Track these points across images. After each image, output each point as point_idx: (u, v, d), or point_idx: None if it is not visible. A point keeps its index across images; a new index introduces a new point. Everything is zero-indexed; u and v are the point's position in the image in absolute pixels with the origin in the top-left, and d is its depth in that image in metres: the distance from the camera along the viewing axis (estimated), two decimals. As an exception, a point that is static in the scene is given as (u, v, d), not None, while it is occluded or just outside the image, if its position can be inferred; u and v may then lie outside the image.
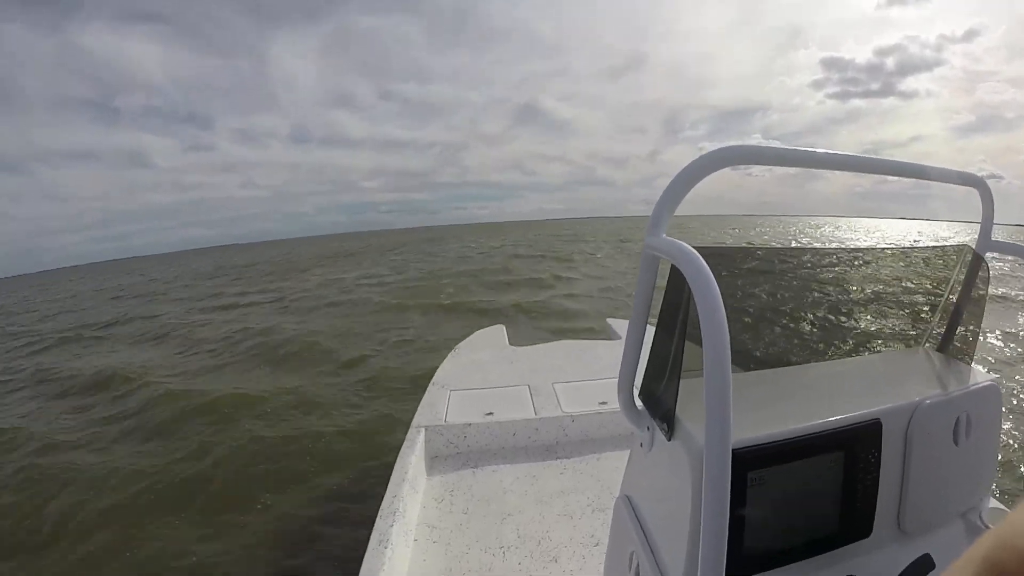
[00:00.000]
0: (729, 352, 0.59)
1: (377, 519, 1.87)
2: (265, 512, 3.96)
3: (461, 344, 4.27)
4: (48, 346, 12.54)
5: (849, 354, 1.26)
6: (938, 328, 1.25)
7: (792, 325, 1.21)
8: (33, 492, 4.55)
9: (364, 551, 1.70)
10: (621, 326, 4.67)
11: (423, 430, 2.59)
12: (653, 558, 0.88)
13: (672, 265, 0.74)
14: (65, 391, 7.87)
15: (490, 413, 2.81)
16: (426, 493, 2.32)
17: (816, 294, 1.28)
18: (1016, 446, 4.42)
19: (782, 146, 0.82)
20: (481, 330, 4.86)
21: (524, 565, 1.85)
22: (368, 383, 6.75)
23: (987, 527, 1.02)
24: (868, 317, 1.32)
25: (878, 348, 1.31)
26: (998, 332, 8.20)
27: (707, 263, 0.64)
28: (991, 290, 1.19)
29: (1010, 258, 1.32)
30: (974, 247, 1.16)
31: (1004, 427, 3.83)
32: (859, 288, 1.33)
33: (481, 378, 3.39)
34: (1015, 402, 5.47)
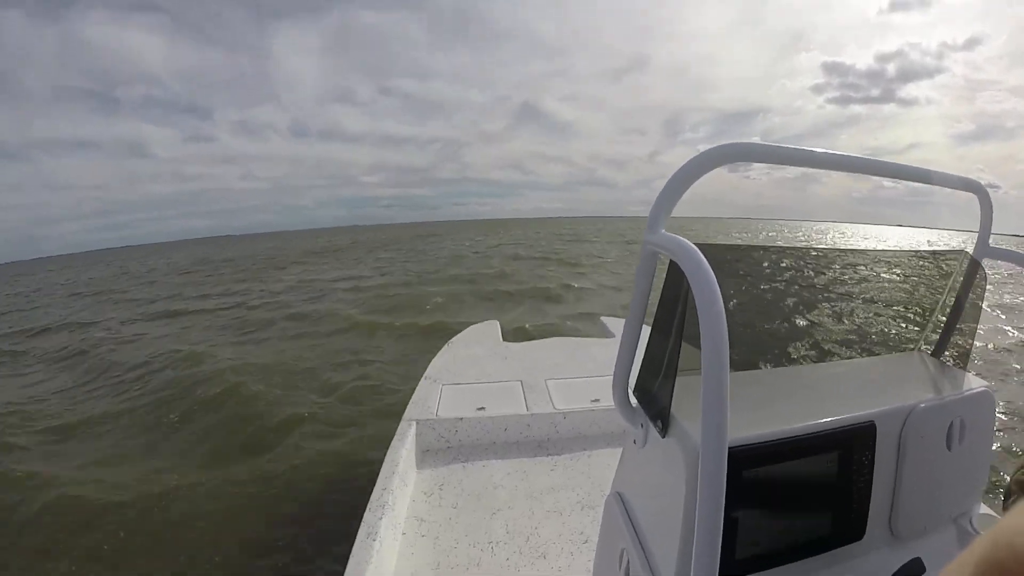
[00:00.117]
0: (728, 349, 0.58)
1: (366, 512, 1.86)
2: None
3: (454, 339, 4.24)
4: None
5: (844, 356, 1.28)
6: (934, 333, 1.26)
7: (788, 325, 1.21)
8: None
9: (352, 544, 1.69)
10: (615, 324, 4.67)
11: (414, 423, 2.60)
12: (644, 555, 0.88)
13: (671, 261, 0.74)
14: None
15: (482, 408, 2.80)
16: (416, 486, 2.33)
17: (813, 295, 1.28)
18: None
19: (783, 145, 0.79)
20: (474, 325, 4.83)
21: (512, 560, 1.86)
22: (283, 485, 4.10)
23: (978, 533, 0.98)
24: (864, 320, 1.33)
25: (874, 351, 1.32)
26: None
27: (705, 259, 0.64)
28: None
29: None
30: (972, 253, 1.18)
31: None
32: (856, 290, 1.35)
33: (474, 373, 3.38)
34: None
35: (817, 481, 0.90)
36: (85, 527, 3.62)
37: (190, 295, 17.60)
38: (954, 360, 1.21)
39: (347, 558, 1.64)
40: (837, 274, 1.35)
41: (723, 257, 0.86)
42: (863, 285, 1.36)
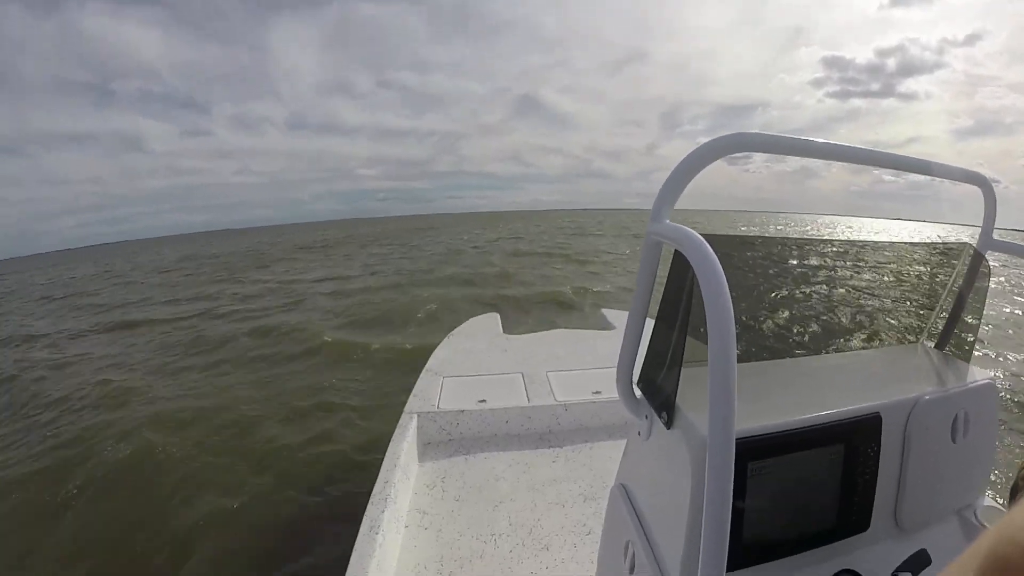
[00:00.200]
0: (735, 339, 0.58)
1: (368, 505, 1.85)
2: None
3: (455, 331, 4.26)
4: None
5: (848, 348, 1.28)
6: (937, 325, 1.26)
7: (792, 317, 1.24)
8: None
9: (355, 537, 1.68)
10: (616, 316, 4.70)
11: (415, 416, 2.59)
12: (649, 547, 0.88)
13: (675, 251, 0.74)
14: None
15: (483, 400, 2.80)
16: (418, 479, 2.33)
17: (817, 286, 1.28)
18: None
19: (788, 135, 0.78)
20: (475, 317, 4.85)
21: (515, 552, 1.86)
22: None
23: (983, 525, 1.01)
24: (868, 312, 1.33)
25: (877, 343, 1.33)
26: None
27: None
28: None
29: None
30: (975, 246, 1.18)
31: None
32: (860, 282, 1.33)
33: (475, 365, 3.39)
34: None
35: (822, 473, 0.90)
36: None
37: (159, 299, 15.87)
38: (957, 352, 1.21)
39: (350, 552, 1.62)
40: (841, 265, 1.34)
41: (727, 247, 0.84)
42: (867, 276, 1.33)
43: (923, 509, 0.98)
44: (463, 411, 2.68)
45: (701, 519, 0.58)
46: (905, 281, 1.32)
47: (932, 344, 1.26)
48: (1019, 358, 7.34)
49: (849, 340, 1.28)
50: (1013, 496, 1.05)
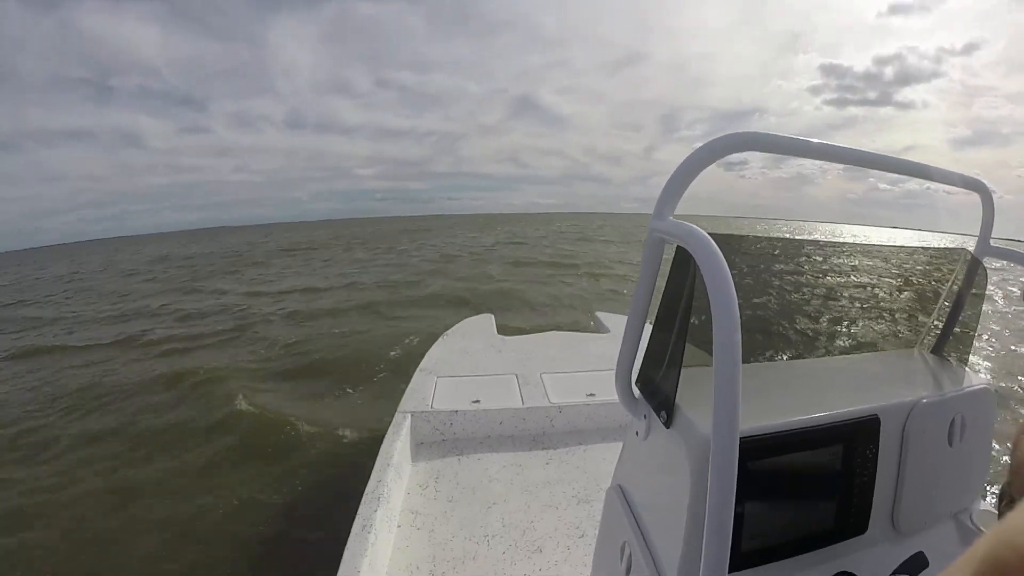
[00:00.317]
0: (740, 337, 0.57)
1: (360, 504, 1.85)
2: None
3: (449, 331, 4.25)
4: None
5: (846, 351, 1.29)
6: (934, 330, 1.27)
7: (791, 319, 1.21)
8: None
9: (347, 536, 1.67)
10: (610, 319, 4.69)
11: (409, 416, 2.58)
12: (647, 548, 0.87)
13: (678, 248, 0.74)
14: None
15: (477, 401, 2.79)
16: (411, 479, 2.32)
17: (816, 289, 1.31)
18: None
19: (792, 136, 0.78)
20: (470, 318, 4.83)
21: (508, 554, 1.85)
22: None
23: (979, 529, 1.02)
24: (866, 316, 1.36)
25: (876, 347, 1.33)
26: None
27: None
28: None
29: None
30: (973, 251, 1.19)
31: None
32: (859, 286, 1.35)
33: (469, 366, 3.39)
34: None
35: (822, 474, 0.90)
36: None
37: (95, 315, 13.24)
38: (955, 357, 1.21)
39: (342, 551, 1.61)
40: (841, 269, 1.33)
41: (729, 246, 0.79)
42: (867, 281, 1.35)
43: (920, 512, 0.99)
44: (457, 411, 2.68)
45: (700, 519, 0.59)
46: (903, 286, 1.35)
47: (929, 349, 1.27)
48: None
49: (848, 343, 1.33)
50: (1001, 501, 0.88)
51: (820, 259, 1.33)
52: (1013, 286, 15.62)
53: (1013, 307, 12.13)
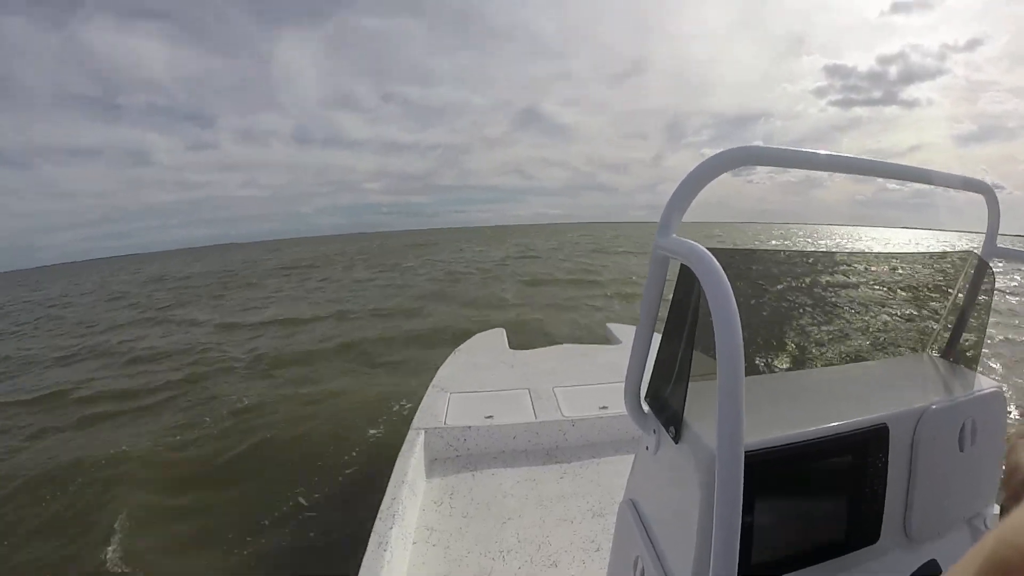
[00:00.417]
0: (742, 351, 0.58)
1: (376, 521, 1.85)
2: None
3: (461, 347, 4.23)
4: None
5: (854, 359, 1.27)
6: (943, 334, 1.26)
7: (796, 329, 1.21)
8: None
9: (363, 553, 1.67)
10: (621, 331, 4.64)
11: (423, 432, 2.58)
12: (659, 563, 0.87)
13: (682, 265, 0.75)
14: None
15: (490, 416, 2.78)
16: (425, 495, 2.32)
17: (820, 297, 1.28)
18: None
19: (792, 148, 0.80)
20: (481, 333, 4.81)
21: (524, 569, 1.84)
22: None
23: None
24: (873, 322, 1.33)
25: (883, 353, 1.31)
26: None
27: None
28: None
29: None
30: (979, 253, 1.19)
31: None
32: (864, 292, 1.34)
33: (481, 381, 3.36)
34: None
35: (831, 484, 0.90)
36: None
37: (39, 355, 11.35)
38: (963, 361, 1.20)
39: (358, 568, 1.61)
40: (846, 276, 1.32)
41: (733, 261, 0.85)
42: (872, 287, 1.34)
43: (932, 519, 0.97)
44: (470, 427, 2.66)
45: (709, 533, 0.58)
46: (910, 291, 1.33)
47: (938, 353, 1.26)
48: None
49: (854, 351, 1.28)
50: (1002, 514, 0.89)
51: (825, 268, 1.29)
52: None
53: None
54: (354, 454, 4.70)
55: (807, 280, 1.25)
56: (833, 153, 0.81)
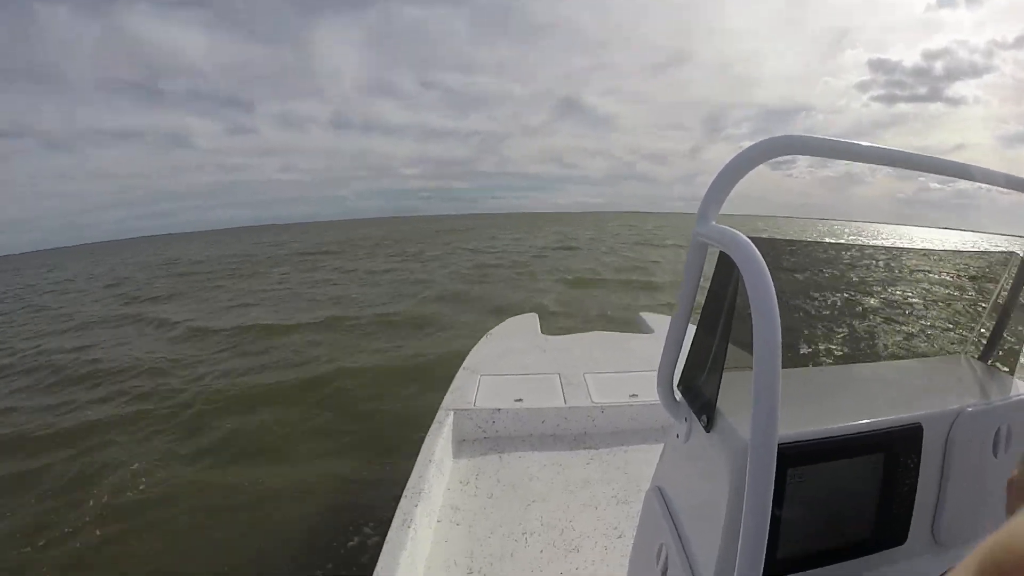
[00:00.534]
0: (780, 342, 0.57)
1: (402, 499, 1.86)
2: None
3: (494, 330, 4.23)
4: None
5: (888, 357, 1.25)
6: (981, 336, 1.24)
7: (832, 323, 1.20)
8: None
9: (387, 530, 1.67)
10: (654, 320, 4.61)
11: (452, 413, 2.59)
12: (684, 552, 0.87)
13: (720, 253, 0.74)
14: None
15: (520, 399, 2.78)
16: (452, 475, 2.32)
17: (857, 292, 1.26)
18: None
19: (833, 138, 0.77)
20: (514, 317, 4.84)
21: (546, 553, 1.84)
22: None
23: None
24: (910, 320, 1.31)
25: (919, 353, 1.30)
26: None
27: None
28: None
29: None
30: (1022, 255, 1.16)
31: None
32: (902, 289, 1.32)
33: (512, 364, 3.37)
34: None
35: (861, 482, 0.88)
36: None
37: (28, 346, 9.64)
38: (1002, 365, 1.17)
39: (382, 544, 1.61)
40: (884, 272, 1.28)
41: (772, 250, 0.82)
42: (911, 285, 1.31)
43: (961, 524, 0.96)
44: (499, 409, 2.67)
45: (737, 524, 0.58)
46: (949, 290, 1.32)
47: (976, 355, 1.23)
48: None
49: (890, 349, 1.26)
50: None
51: (863, 262, 1.29)
52: None
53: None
54: None
55: (846, 274, 1.23)
56: (875, 145, 0.79)
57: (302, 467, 4.33)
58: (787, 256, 1.00)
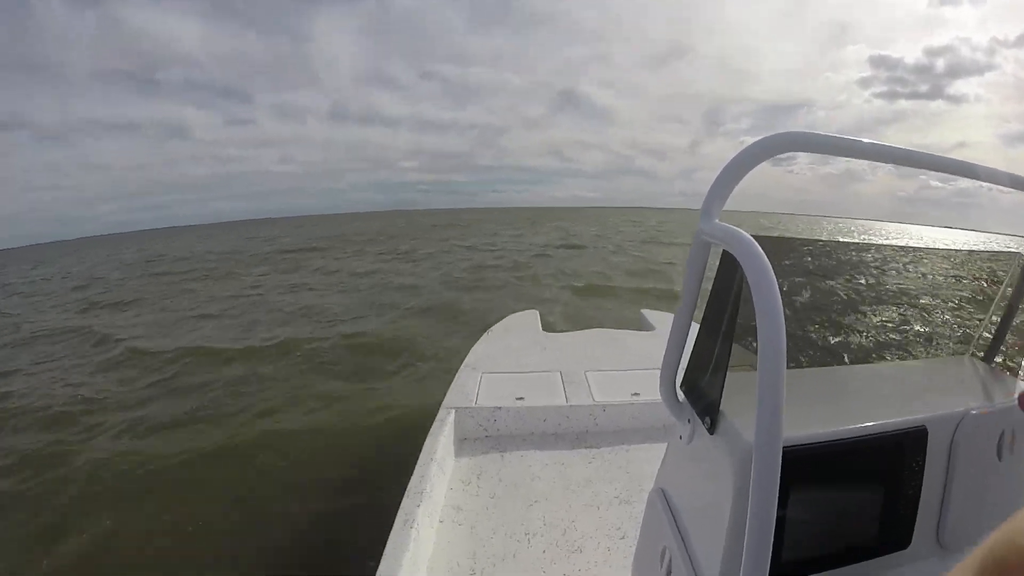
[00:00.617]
0: (784, 342, 0.57)
1: (403, 499, 1.85)
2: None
3: (494, 327, 4.16)
4: None
5: (892, 358, 1.27)
6: (985, 337, 1.23)
7: (836, 323, 1.19)
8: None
9: (389, 531, 1.66)
10: (656, 317, 4.55)
11: (453, 411, 2.58)
12: (687, 554, 0.86)
13: (723, 251, 0.73)
14: None
15: (521, 398, 2.76)
16: (453, 475, 2.31)
17: (863, 293, 1.24)
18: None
19: (837, 135, 0.77)
20: (514, 314, 4.73)
21: (548, 553, 1.83)
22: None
23: None
24: (915, 321, 1.31)
25: (923, 354, 1.29)
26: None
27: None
28: None
29: None
30: None
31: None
32: (905, 289, 1.31)
33: (513, 362, 3.33)
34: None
35: (866, 485, 0.88)
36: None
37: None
38: (1005, 366, 1.17)
39: (383, 545, 1.59)
40: (889, 273, 1.28)
41: (776, 249, 0.78)
42: (913, 284, 1.30)
43: (966, 528, 0.94)
44: (500, 408, 2.65)
45: (741, 527, 0.57)
46: (953, 291, 1.29)
47: (980, 357, 1.22)
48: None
49: (896, 350, 1.26)
50: None
51: (868, 262, 1.27)
52: None
53: None
54: None
55: (851, 274, 1.21)
56: (878, 142, 0.78)
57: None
58: (791, 255, 0.98)
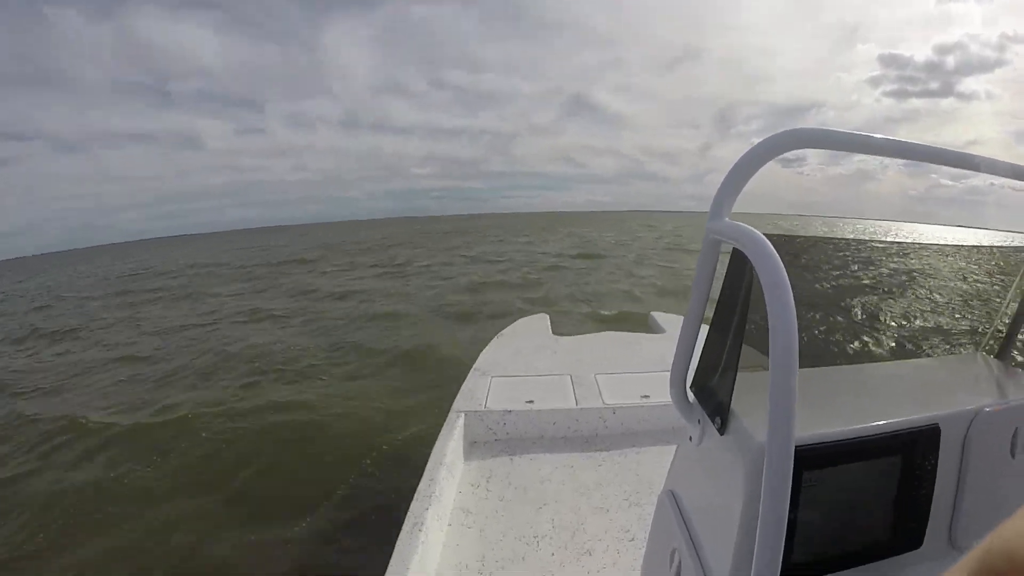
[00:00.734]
0: (797, 342, 0.56)
1: (412, 502, 1.84)
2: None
3: (504, 331, 4.12)
4: None
5: (905, 356, 1.23)
6: (998, 333, 1.19)
7: (847, 321, 1.16)
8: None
9: (398, 533, 1.64)
10: (666, 320, 4.51)
11: (463, 415, 2.56)
12: (697, 557, 0.85)
13: (734, 250, 0.73)
14: None
15: (531, 401, 2.74)
16: (463, 478, 2.29)
17: (875, 290, 1.23)
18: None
19: (847, 131, 0.76)
20: (525, 318, 4.67)
21: (558, 556, 1.81)
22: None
23: None
24: (927, 318, 1.27)
25: (935, 351, 1.27)
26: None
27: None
28: None
29: None
30: None
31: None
32: (917, 286, 1.28)
33: (523, 365, 3.31)
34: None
35: (878, 485, 0.86)
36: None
37: None
38: (1019, 362, 1.14)
39: (392, 548, 1.58)
40: (899, 269, 1.26)
41: (787, 247, 0.80)
42: (926, 281, 1.27)
43: (980, 528, 0.89)
44: (510, 411, 2.62)
45: (752, 529, 0.57)
46: (965, 286, 1.26)
47: (993, 353, 1.19)
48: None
49: (907, 347, 1.23)
50: None
51: (879, 259, 1.26)
52: None
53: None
54: None
55: (862, 271, 1.20)
56: (892, 138, 0.78)
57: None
58: (802, 253, 0.98)
